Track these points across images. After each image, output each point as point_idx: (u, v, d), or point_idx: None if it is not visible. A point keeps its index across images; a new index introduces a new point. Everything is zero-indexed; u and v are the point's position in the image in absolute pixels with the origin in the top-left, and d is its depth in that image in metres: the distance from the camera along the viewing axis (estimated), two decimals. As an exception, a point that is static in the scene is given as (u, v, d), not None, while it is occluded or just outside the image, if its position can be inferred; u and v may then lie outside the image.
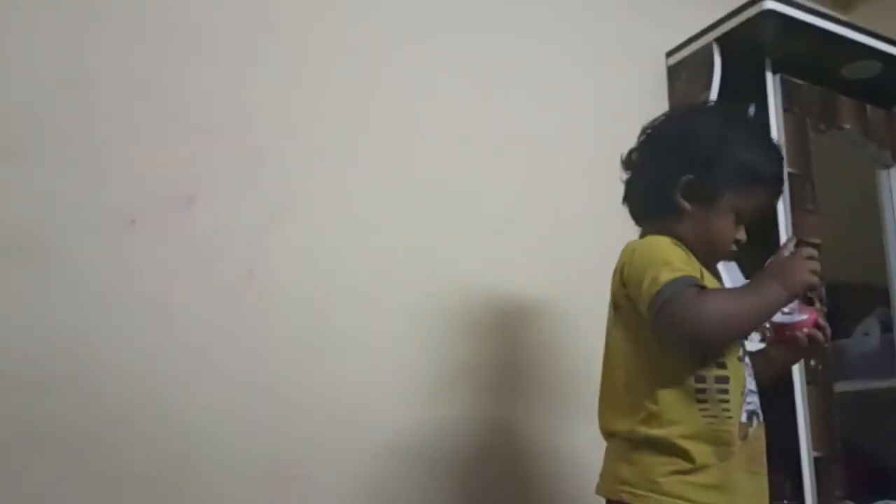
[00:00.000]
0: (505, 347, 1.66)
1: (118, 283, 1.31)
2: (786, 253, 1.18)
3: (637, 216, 1.30)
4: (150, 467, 1.27)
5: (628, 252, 1.18)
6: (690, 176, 1.19)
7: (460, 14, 1.78)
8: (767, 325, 1.26)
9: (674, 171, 1.21)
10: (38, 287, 1.25)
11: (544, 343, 1.70)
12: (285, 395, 1.41)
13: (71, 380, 1.24)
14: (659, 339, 1.12)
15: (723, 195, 1.20)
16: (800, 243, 1.34)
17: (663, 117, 1.30)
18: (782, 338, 1.25)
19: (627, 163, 1.30)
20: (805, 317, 1.23)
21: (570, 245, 1.74)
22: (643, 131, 1.30)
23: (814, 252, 1.17)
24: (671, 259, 1.13)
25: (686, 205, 1.20)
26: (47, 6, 1.33)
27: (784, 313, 1.22)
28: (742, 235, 1.23)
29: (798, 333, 1.23)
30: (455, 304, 1.61)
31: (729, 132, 1.23)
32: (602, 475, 1.19)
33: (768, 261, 1.19)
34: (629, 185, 1.30)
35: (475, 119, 1.73)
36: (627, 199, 1.30)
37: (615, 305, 1.21)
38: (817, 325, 1.24)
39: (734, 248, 1.24)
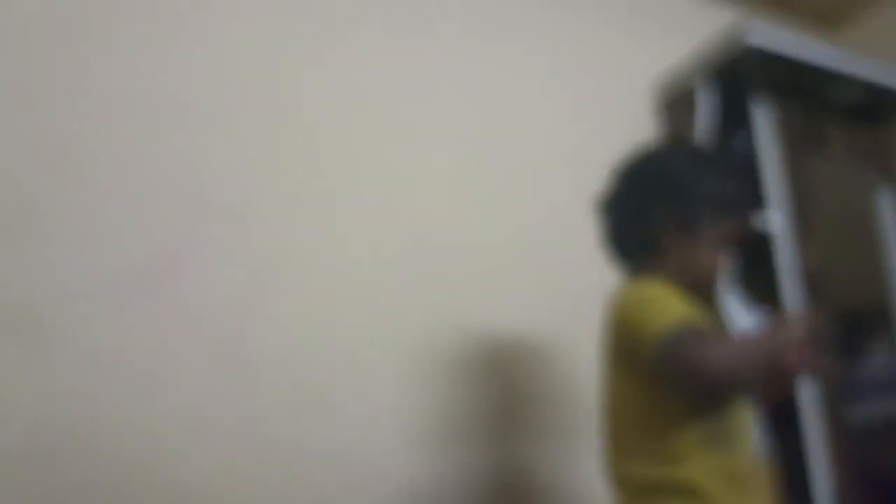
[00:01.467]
0: (502, 390, 1.65)
1: (111, 353, 1.29)
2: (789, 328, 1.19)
3: (618, 257, 1.30)
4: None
5: (621, 304, 1.20)
6: (669, 210, 1.22)
7: (443, 54, 1.79)
8: None
9: (650, 208, 1.24)
10: (31, 361, 1.24)
11: (542, 383, 1.68)
12: (281, 456, 1.39)
13: (68, 451, 1.23)
14: (664, 383, 1.12)
15: (701, 226, 1.22)
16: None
17: (630, 159, 1.32)
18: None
19: (599, 206, 1.32)
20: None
21: (565, 282, 1.73)
22: (613, 174, 1.32)
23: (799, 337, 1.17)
24: (663, 303, 1.15)
25: (666, 239, 1.23)
26: (30, 81, 1.34)
27: None
28: (724, 265, 1.26)
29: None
30: (449, 351, 1.59)
31: (698, 166, 1.28)
32: None
33: (771, 326, 1.21)
34: (604, 227, 1.32)
35: (461, 160, 1.73)
36: (606, 241, 1.32)
37: (618, 354, 1.20)
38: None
39: (718, 279, 1.26)
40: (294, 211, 1.52)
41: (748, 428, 1.16)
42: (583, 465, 1.60)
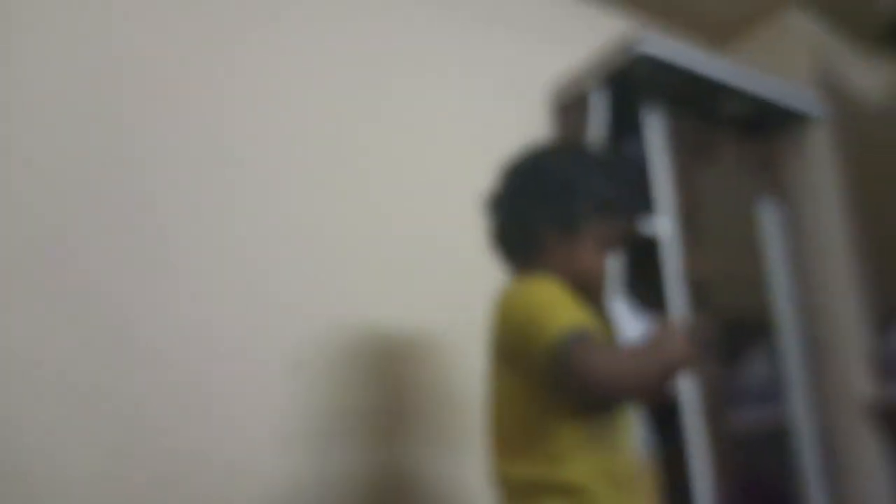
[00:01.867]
0: (388, 391, 1.63)
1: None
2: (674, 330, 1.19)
3: (505, 257, 1.30)
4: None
5: (507, 301, 1.19)
6: (553, 211, 1.23)
7: (342, 50, 1.77)
8: None
9: (536, 208, 1.24)
10: None
11: (428, 384, 1.67)
12: (164, 452, 1.34)
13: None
14: (551, 386, 1.11)
15: (585, 226, 1.23)
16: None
17: (516, 159, 1.32)
18: None
19: (486, 206, 1.32)
20: None
21: (457, 283, 1.71)
22: (499, 175, 1.31)
23: (693, 337, 1.18)
24: (556, 304, 1.14)
25: (552, 239, 1.23)
26: None
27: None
28: (609, 266, 1.26)
29: None
30: (336, 350, 1.57)
31: (584, 166, 1.28)
32: None
33: (658, 329, 1.20)
34: (491, 227, 1.31)
35: (354, 158, 1.71)
36: (491, 241, 1.31)
37: (503, 354, 1.19)
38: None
39: (603, 280, 1.26)
40: (183, 201, 1.48)
41: (630, 428, 1.17)
42: (468, 467, 1.59)
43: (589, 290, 1.25)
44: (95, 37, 1.46)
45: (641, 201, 1.46)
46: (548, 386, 1.11)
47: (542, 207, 1.23)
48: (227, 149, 1.56)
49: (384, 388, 1.61)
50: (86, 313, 1.33)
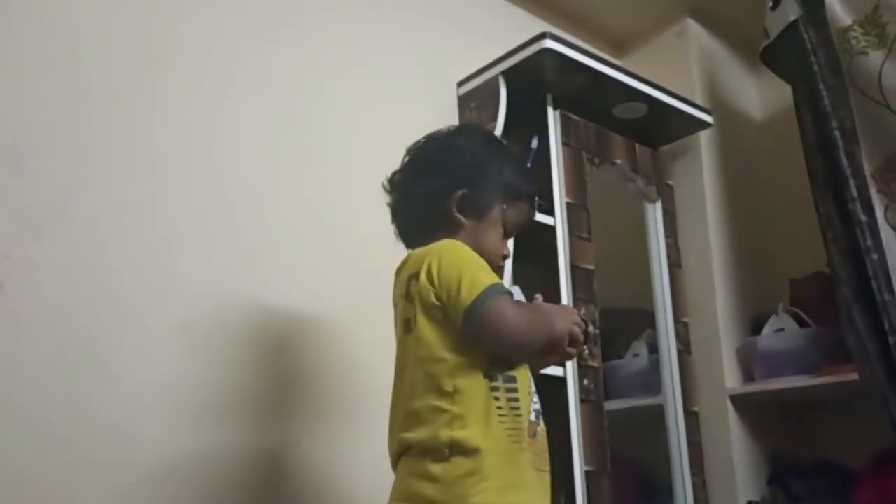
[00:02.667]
0: (289, 365, 1.63)
1: None
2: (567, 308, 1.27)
3: (408, 234, 1.33)
4: None
5: (433, 253, 1.20)
6: (464, 190, 1.26)
7: (258, 30, 1.76)
8: None
9: (445, 188, 1.27)
10: None
11: (330, 359, 1.68)
12: (40, 418, 1.29)
13: None
14: (468, 340, 1.15)
15: (492, 209, 1.28)
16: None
17: (424, 139, 1.36)
18: None
19: (392, 184, 1.34)
20: None
21: (358, 262, 1.74)
22: (407, 153, 1.34)
23: (581, 319, 1.25)
24: (481, 262, 1.19)
25: (462, 218, 1.26)
26: None
27: None
28: (508, 250, 1.32)
29: None
30: (238, 321, 1.56)
31: (491, 151, 1.34)
32: (400, 497, 1.15)
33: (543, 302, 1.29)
34: (397, 205, 1.33)
35: (266, 135, 1.71)
36: (396, 219, 1.34)
37: (419, 307, 1.19)
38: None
39: (503, 262, 1.32)
40: (76, 162, 1.43)
41: (530, 394, 1.20)
42: (359, 445, 1.61)
43: None
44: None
45: (541, 196, 1.54)
46: (465, 336, 1.14)
47: (454, 187, 1.26)
48: (149, 121, 1.54)
49: (277, 364, 1.61)
50: None
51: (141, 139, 1.52)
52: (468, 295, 1.13)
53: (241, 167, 1.65)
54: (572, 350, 1.23)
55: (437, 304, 1.16)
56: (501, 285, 1.17)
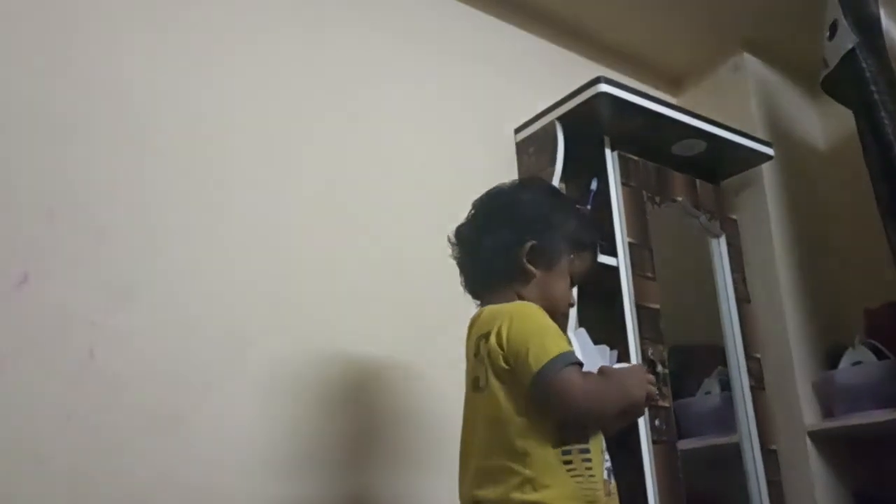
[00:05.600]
0: (363, 417, 1.65)
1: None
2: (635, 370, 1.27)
3: (478, 288, 1.34)
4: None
5: (505, 315, 1.21)
6: (534, 242, 1.28)
7: (318, 84, 1.82)
8: None
9: (515, 239, 1.28)
10: None
11: (400, 411, 1.69)
12: (132, 479, 1.34)
13: None
14: (536, 407, 1.15)
15: (561, 259, 1.30)
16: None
17: (490, 193, 1.38)
18: None
19: (459, 238, 1.36)
20: None
21: (426, 312, 1.76)
22: (473, 206, 1.37)
23: (652, 377, 1.25)
24: (551, 328, 1.20)
25: (532, 269, 1.28)
26: None
27: None
28: (574, 298, 1.34)
29: None
30: (306, 376, 1.59)
31: (557, 203, 1.37)
32: None
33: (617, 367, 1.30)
34: (465, 258, 1.35)
35: (330, 191, 1.75)
36: (463, 272, 1.36)
37: (490, 368, 1.20)
38: None
39: (568, 310, 1.33)
40: (155, 228, 1.50)
41: (601, 455, 1.20)
42: (436, 493, 1.61)
43: (555, 320, 1.30)
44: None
45: (604, 239, 1.56)
46: (534, 403, 1.14)
47: (523, 239, 1.28)
48: (202, 180, 1.59)
49: (353, 414, 1.63)
50: (51, 341, 1.33)
51: (211, 207, 1.58)
52: (536, 362, 1.13)
53: (307, 223, 1.69)
54: (651, 403, 1.24)
55: (506, 367, 1.17)
56: (570, 353, 1.16)
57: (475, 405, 1.23)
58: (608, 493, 1.18)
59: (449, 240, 1.37)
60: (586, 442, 1.17)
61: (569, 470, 1.13)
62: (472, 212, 1.36)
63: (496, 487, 1.14)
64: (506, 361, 1.17)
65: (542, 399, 1.14)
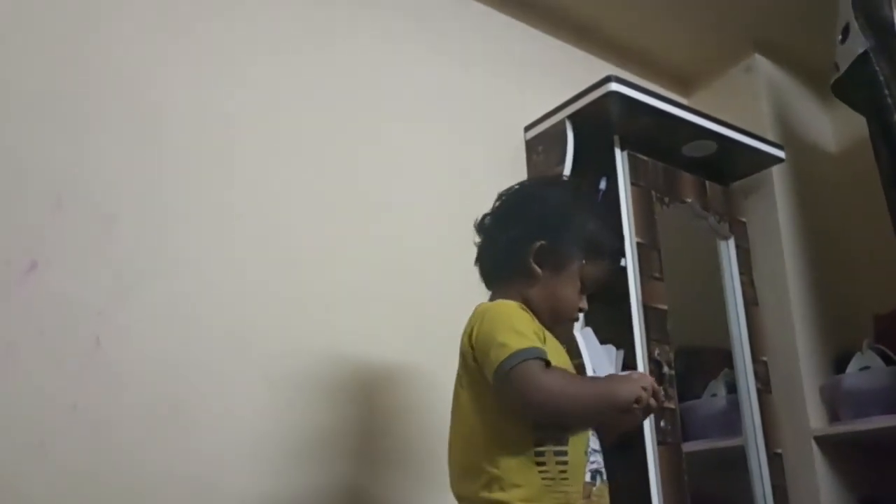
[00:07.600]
0: (363, 414, 1.65)
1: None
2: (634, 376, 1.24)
3: (487, 278, 1.34)
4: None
5: (478, 315, 1.22)
6: (543, 242, 1.26)
7: (326, 82, 1.82)
8: None
9: (527, 237, 1.27)
10: None
11: (403, 408, 1.70)
12: (135, 468, 1.34)
13: None
14: (500, 404, 1.15)
15: (571, 262, 1.27)
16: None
17: (517, 186, 1.37)
18: None
19: (480, 227, 1.35)
20: None
21: (428, 311, 1.75)
22: (498, 197, 1.36)
23: (654, 384, 1.21)
24: (520, 326, 1.17)
25: (538, 269, 1.26)
26: None
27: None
28: (585, 304, 1.30)
29: None
30: (312, 372, 1.59)
31: (578, 205, 1.33)
32: None
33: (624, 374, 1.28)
34: (482, 247, 1.35)
35: (336, 187, 1.75)
36: (479, 260, 1.35)
37: (464, 366, 1.22)
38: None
39: (578, 316, 1.31)
40: (164, 220, 1.50)
41: (584, 455, 1.18)
42: (435, 493, 1.61)
43: (560, 323, 1.31)
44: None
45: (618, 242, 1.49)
46: (500, 400, 1.14)
47: (533, 238, 1.26)
48: (209, 174, 1.59)
49: (354, 411, 1.63)
50: (57, 330, 1.33)
51: (219, 202, 1.58)
52: (496, 358, 1.12)
53: (314, 220, 1.69)
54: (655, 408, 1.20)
55: (475, 365, 1.18)
56: (535, 349, 1.13)
57: (457, 401, 1.24)
58: (587, 496, 1.15)
59: (474, 225, 1.36)
60: (564, 443, 1.15)
61: (540, 471, 1.13)
62: (497, 203, 1.35)
63: (471, 484, 1.15)
64: (474, 359, 1.18)
65: (503, 394, 1.13)
